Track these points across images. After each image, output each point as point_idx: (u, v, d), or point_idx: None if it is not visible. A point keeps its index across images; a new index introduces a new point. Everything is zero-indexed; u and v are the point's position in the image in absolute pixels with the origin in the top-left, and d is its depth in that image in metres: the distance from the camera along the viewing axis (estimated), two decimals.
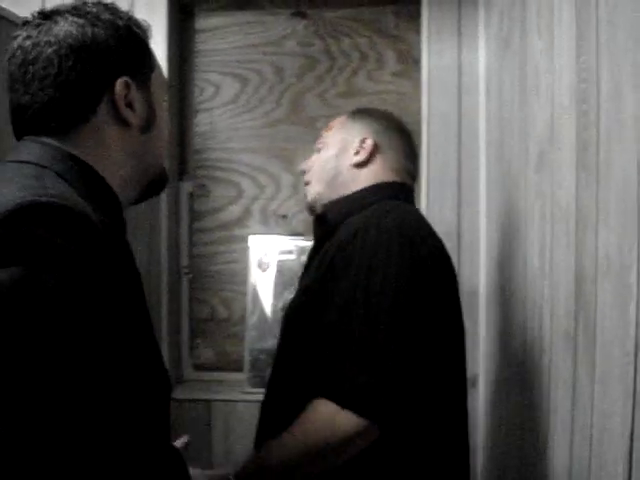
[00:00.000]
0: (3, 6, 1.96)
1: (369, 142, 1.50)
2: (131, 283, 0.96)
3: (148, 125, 1.05)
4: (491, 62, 2.18)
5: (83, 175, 0.96)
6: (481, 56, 2.29)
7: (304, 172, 1.57)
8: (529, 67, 1.60)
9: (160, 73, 1.11)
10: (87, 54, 0.98)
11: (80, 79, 0.97)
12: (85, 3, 1.03)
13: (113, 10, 1.04)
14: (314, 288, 1.34)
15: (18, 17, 1.48)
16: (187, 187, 2.58)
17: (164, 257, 2.45)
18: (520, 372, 1.62)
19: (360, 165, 1.49)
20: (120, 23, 1.02)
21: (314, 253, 1.47)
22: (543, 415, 1.40)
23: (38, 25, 0.99)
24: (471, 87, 2.30)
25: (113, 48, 1.00)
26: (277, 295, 2.41)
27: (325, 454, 1.23)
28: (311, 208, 1.55)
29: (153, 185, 1.11)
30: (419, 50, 2.37)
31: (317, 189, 1.51)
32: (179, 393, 2.44)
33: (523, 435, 1.59)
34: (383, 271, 1.24)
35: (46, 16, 1.00)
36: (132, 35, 1.03)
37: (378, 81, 2.49)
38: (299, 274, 2.56)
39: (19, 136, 1.00)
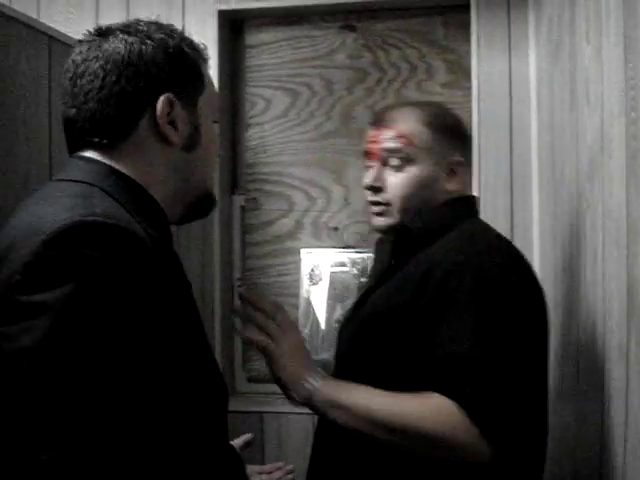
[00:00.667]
0: (56, 27, 2.03)
1: (465, 168, 1.40)
2: (182, 294, 0.97)
3: (192, 144, 1.05)
4: (542, 69, 2.14)
5: (129, 190, 0.98)
6: (531, 63, 2.26)
7: (374, 189, 1.38)
8: (579, 73, 1.57)
9: (212, 95, 1.10)
10: (132, 70, 0.99)
11: (122, 94, 0.98)
12: (139, 22, 1.05)
13: (166, 30, 1.05)
14: (402, 305, 1.26)
15: (71, 38, 1.53)
16: (239, 201, 2.61)
17: (217, 270, 2.48)
18: (575, 385, 1.58)
19: (453, 191, 1.38)
20: (171, 42, 1.03)
21: (391, 268, 1.38)
22: (596, 427, 1.36)
23: (91, 41, 1.02)
24: (522, 95, 2.27)
25: (159, 65, 1.01)
26: (330, 308, 2.42)
27: (422, 446, 1.16)
28: (384, 232, 1.42)
29: (198, 206, 1.11)
30: (469, 59, 2.35)
31: (401, 217, 1.36)
32: (232, 405, 2.44)
33: (576, 447, 1.55)
34: (508, 308, 1.20)
35: (100, 33, 1.03)
36: (182, 55, 1.04)
37: (428, 92, 2.48)
38: (352, 286, 2.61)
39: (70, 148, 1.03)
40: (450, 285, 1.20)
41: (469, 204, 1.42)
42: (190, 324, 0.97)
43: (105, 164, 0.98)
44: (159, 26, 1.05)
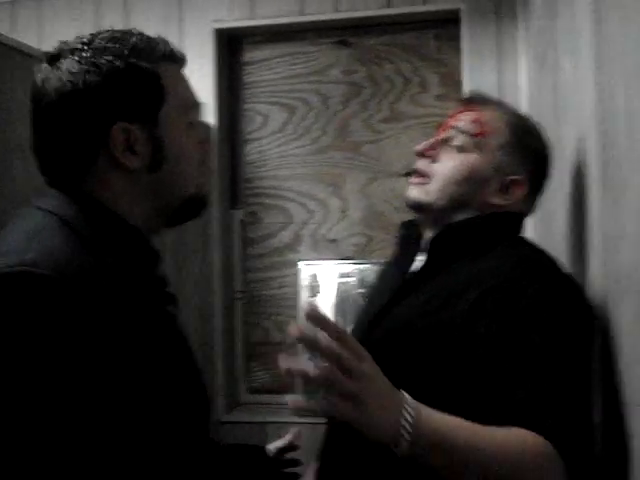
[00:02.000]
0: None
1: (522, 190, 1.23)
2: (139, 321, 0.94)
3: (156, 164, 1.01)
4: (531, 80, 2.18)
5: (93, 217, 0.97)
6: (521, 75, 2.30)
7: (423, 155, 1.27)
8: (560, 87, 1.60)
9: (181, 98, 1.04)
10: (78, 104, 0.96)
11: (73, 131, 0.96)
12: (91, 40, 0.99)
13: (118, 46, 0.99)
14: (448, 321, 1.12)
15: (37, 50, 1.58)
16: (238, 215, 2.66)
17: (217, 283, 2.52)
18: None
19: (497, 207, 1.23)
20: (119, 64, 0.97)
21: (429, 270, 1.22)
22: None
23: (44, 69, 0.98)
24: (512, 105, 2.30)
25: (107, 95, 0.96)
26: (336, 318, 2.45)
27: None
28: (415, 208, 1.26)
29: (181, 212, 1.07)
30: (460, 72, 2.39)
31: (438, 198, 1.22)
32: (235, 416, 2.50)
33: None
34: (573, 335, 1.09)
35: (51, 58, 0.99)
36: (133, 75, 0.98)
37: (422, 104, 2.52)
38: (355, 296, 2.63)
39: (42, 174, 1.02)
40: (517, 310, 1.08)
41: (518, 221, 1.27)
42: (151, 344, 0.95)
43: (69, 192, 0.98)
44: (113, 41, 0.99)
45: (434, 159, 1.24)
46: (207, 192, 1.10)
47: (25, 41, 1.55)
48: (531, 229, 2.24)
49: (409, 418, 0.89)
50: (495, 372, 1.06)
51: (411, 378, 1.07)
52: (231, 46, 2.66)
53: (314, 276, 2.50)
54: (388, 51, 2.55)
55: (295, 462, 1.42)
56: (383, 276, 1.43)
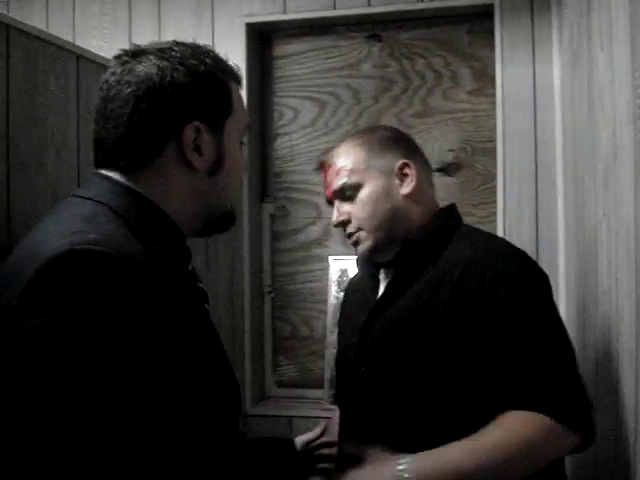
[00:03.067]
0: (91, 43, 2.11)
1: (412, 166, 1.42)
2: (181, 309, 0.98)
3: (215, 169, 1.07)
4: (565, 75, 2.15)
5: (142, 210, 1.00)
6: (555, 69, 2.26)
7: (342, 224, 1.44)
8: (594, 81, 1.58)
9: (240, 117, 1.11)
10: (162, 98, 1.01)
11: (151, 121, 1.01)
12: (174, 44, 1.06)
13: (200, 54, 1.06)
14: (437, 314, 1.28)
15: (98, 56, 1.60)
16: (268, 208, 2.66)
17: (247, 277, 2.53)
18: (592, 392, 1.58)
19: (411, 193, 1.41)
20: (202, 69, 1.04)
21: (399, 281, 1.39)
22: (610, 435, 1.37)
23: (124, 63, 1.04)
24: (546, 101, 2.28)
25: (189, 93, 1.02)
26: None
27: (539, 465, 1.17)
28: (371, 255, 1.43)
29: (217, 223, 1.13)
30: (493, 67, 2.37)
31: (376, 237, 1.40)
32: (262, 409, 2.51)
33: (595, 453, 1.55)
34: (538, 301, 1.27)
35: (133, 54, 1.05)
36: (212, 81, 1.05)
37: (453, 100, 2.49)
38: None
39: (96, 165, 1.06)
40: (495, 291, 1.24)
41: (454, 212, 1.48)
42: (191, 336, 0.98)
43: (122, 184, 1.01)
44: (193, 50, 1.06)
45: (348, 219, 1.42)
46: (237, 212, 1.17)
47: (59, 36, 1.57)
48: (564, 221, 2.21)
49: (404, 462, 1.13)
50: (483, 361, 1.21)
51: (404, 382, 1.29)
52: (262, 40, 2.66)
53: (343, 271, 2.49)
54: (420, 46, 2.53)
55: (329, 458, 1.42)
56: (351, 297, 1.62)
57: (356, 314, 1.49)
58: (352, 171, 1.41)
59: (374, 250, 1.41)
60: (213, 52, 1.09)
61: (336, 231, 2.59)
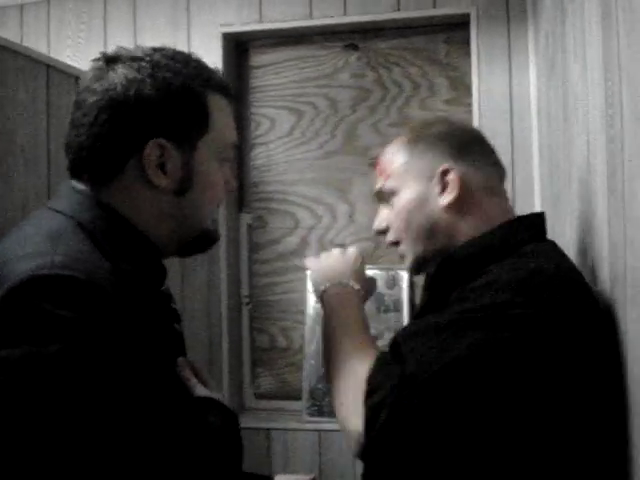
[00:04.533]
0: (67, 54, 2.09)
1: (455, 172, 1.18)
2: (144, 337, 0.94)
3: (183, 188, 1.00)
4: (541, 84, 2.16)
5: (111, 225, 0.97)
6: (532, 79, 2.28)
7: (382, 233, 1.28)
8: (569, 91, 1.58)
9: (221, 133, 1.04)
10: (124, 111, 0.96)
11: (111, 135, 0.96)
12: (151, 53, 1.00)
13: (177, 64, 0.99)
14: None
15: (69, 67, 1.58)
16: (246, 219, 2.65)
17: (224, 288, 2.51)
18: None
19: (454, 204, 1.19)
20: (176, 82, 0.97)
21: (431, 301, 1.20)
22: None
23: (98, 68, 1.00)
24: (522, 110, 2.29)
25: (154, 109, 0.96)
26: None
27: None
28: (417, 270, 1.26)
29: (194, 244, 1.07)
30: (470, 76, 2.37)
31: (415, 250, 1.22)
32: (241, 421, 2.47)
33: None
34: None
35: (108, 60, 1.00)
36: (185, 96, 0.98)
37: (431, 109, 2.50)
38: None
39: (70, 173, 1.02)
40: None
41: (523, 226, 1.19)
42: (149, 357, 0.95)
43: (90, 196, 0.98)
44: (171, 59, 0.99)
45: (388, 229, 1.25)
46: (218, 230, 1.10)
47: (32, 46, 1.55)
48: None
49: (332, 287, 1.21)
50: None
51: None
52: (239, 50, 2.65)
53: None
54: (397, 55, 2.53)
55: None
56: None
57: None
58: (390, 174, 1.24)
59: (417, 267, 1.25)
60: (197, 62, 1.03)
61: (314, 241, 2.60)
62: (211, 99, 1.01)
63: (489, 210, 1.20)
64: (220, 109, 1.03)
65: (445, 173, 1.18)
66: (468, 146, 1.23)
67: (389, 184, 1.23)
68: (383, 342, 1.92)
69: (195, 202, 1.02)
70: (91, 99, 0.97)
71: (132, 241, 0.98)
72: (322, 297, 1.24)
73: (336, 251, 1.32)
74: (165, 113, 0.97)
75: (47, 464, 0.80)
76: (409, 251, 1.23)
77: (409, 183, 1.22)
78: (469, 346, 0.98)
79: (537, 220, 1.21)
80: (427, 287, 1.24)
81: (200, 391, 1.02)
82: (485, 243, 1.16)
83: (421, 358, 0.99)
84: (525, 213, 1.24)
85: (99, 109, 0.96)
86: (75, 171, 1.01)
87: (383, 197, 1.26)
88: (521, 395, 0.98)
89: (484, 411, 0.98)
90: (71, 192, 0.99)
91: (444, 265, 1.18)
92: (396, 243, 1.24)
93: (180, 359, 1.06)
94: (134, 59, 0.99)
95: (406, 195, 1.21)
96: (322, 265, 1.29)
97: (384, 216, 1.26)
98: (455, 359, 0.97)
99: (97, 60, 1.01)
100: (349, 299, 1.22)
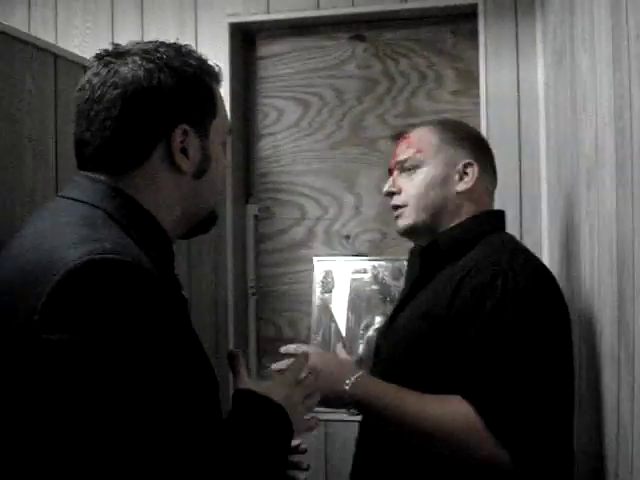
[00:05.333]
0: (74, 44, 2.09)
1: (475, 169, 1.43)
2: (180, 315, 0.99)
3: (201, 171, 1.06)
4: (549, 76, 2.15)
5: (132, 213, 0.99)
6: (539, 71, 2.26)
7: (391, 194, 1.48)
8: (577, 82, 1.57)
9: (223, 119, 1.11)
10: (150, 101, 0.99)
11: (139, 124, 0.99)
12: (159, 45, 1.04)
13: (185, 56, 1.05)
14: (438, 316, 1.31)
15: (76, 56, 1.58)
16: (252, 210, 2.65)
17: (230, 278, 2.51)
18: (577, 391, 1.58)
19: (465, 192, 1.43)
20: (189, 71, 1.03)
21: (421, 280, 1.44)
22: (594, 437, 1.37)
23: (108, 63, 1.01)
24: (530, 103, 2.28)
25: (177, 97, 1.01)
26: (350, 314, 2.43)
27: (444, 449, 1.25)
28: (408, 234, 1.49)
29: (202, 224, 1.14)
30: (477, 67, 2.36)
31: (418, 217, 1.44)
32: None
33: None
34: (536, 320, 1.25)
35: (117, 55, 1.02)
36: (198, 83, 1.04)
37: (437, 100, 2.49)
38: (370, 293, 2.62)
39: (80, 166, 1.04)
40: (482, 294, 1.26)
41: (495, 218, 1.48)
42: (188, 342, 0.99)
43: (111, 186, 0.99)
44: (177, 51, 1.05)
45: (399, 192, 1.46)
46: (219, 212, 1.17)
47: (39, 36, 1.55)
48: (548, 223, 2.21)
49: (350, 380, 1.30)
50: (458, 346, 1.25)
51: (411, 358, 1.35)
52: (246, 40, 2.64)
53: (328, 272, 2.48)
54: (404, 46, 2.52)
55: (299, 465, 1.41)
56: (405, 279, 1.65)
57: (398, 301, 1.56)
58: (421, 149, 1.45)
59: (411, 230, 1.46)
60: (196, 53, 1.08)
61: (320, 232, 2.60)
62: (214, 87, 1.09)
63: (483, 205, 1.46)
64: (220, 97, 1.11)
65: (467, 166, 1.43)
66: (487, 153, 1.50)
67: (418, 157, 1.44)
68: None
69: (210, 183, 1.09)
70: (113, 92, 0.99)
71: (152, 231, 1.02)
72: (349, 397, 1.31)
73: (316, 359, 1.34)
74: (185, 100, 1.03)
75: (107, 446, 0.82)
76: (411, 216, 1.44)
77: (435, 162, 1.44)
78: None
79: (499, 214, 1.49)
80: (420, 265, 1.46)
81: (247, 384, 1.08)
82: (462, 230, 1.41)
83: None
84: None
85: (124, 101, 0.99)
86: (93, 164, 1.02)
87: (404, 166, 1.46)
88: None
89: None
90: (91, 183, 1.01)
91: (430, 249, 1.43)
92: (400, 207, 1.46)
93: (234, 350, 1.16)
94: (146, 51, 1.02)
95: (430, 171, 1.44)
96: (323, 376, 1.29)
97: (399, 182, 1.47)
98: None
99: (102, 56, 1.03)
100: (366, 382, 1.33)
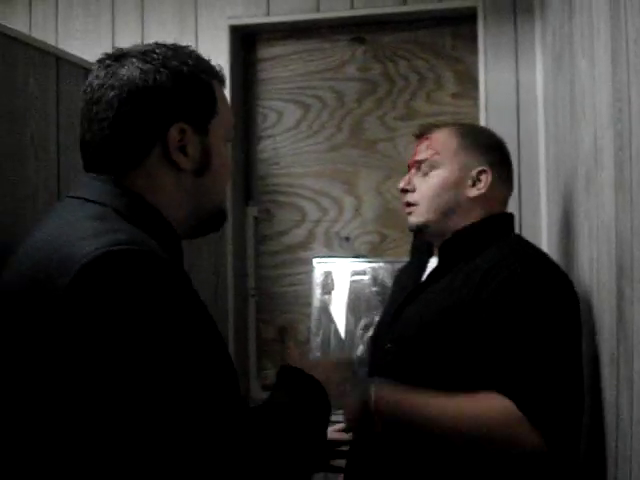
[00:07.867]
0: (75, 46, 2.09)
1: (489, 176, 1.47)
2: (200, 306, 1.00)
3: (202, 168, 1.07)
4: (548, 79, 2.16)
5: (140, 210, 1.01)
6: (538, 73, 2.28)
7: (405, 191, 1.52)
8: (576, 85, 1.58)
9: (225, 116, 1.12)
10: (145, 101, 1.01)
11: (136, 124, 1.02)
12: (156, 47, 1.06)
13: (182, 55, 1.07)
14: (462, 309, 1.35)
15: (78, 58, 1.59)
16: (252, 212, 2.66)
17: (230, 280, 2.52)
18: None
19: (476, 198, 1.47)
20: (185, 70, 1.05)
21: (435, 274, 1.48)
22: (593, 437, 1.37)
23: (108, 66, 1.04)
24: (529, 105, 2.29)
25: (173, 95, 1.03)
26: (350, 315, 2.44)
27: (482, 449, 1.28)
28: (418, 231, 1.52)
29: (209, 222, 1.15)
30: (477, 70, 2.37)
31: (429, 216, 1.48)
32: None
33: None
34: (565, 315, 1.32)
35: (116, 57, 1.05)
36: (195, 82, 1.06)
37: (437, 102, 2.50)
38: (369, 294, 2.63)
39: (86, 167, 1.06)
40: (514, 287, 1.31)
41: (507, 221, 1.54)
42: (210, 329, 1.01)
43: (117, 185, 1.01)
44: (175, 51, 1.07)
45: (413, 190, 1.51)
46: (225, 208, 1.18)
47: (40, 38, 1.56)
48: (547, 225, 2.22)
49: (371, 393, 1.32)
50: (491, 353, 1.29)
51: (426, 362, 1.37)
52: (246, 43, 2.65)
53: (327, 274, 2.49)
54: (404, 48, 2.53)
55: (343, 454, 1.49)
56: (399, 281, 1.67)
57: (398, 295, 1.57)
58: (439, 151, 1.49)
59: (421, 228, 1.50)
60: (195, 52, 1.10)
61: (320, 234, 2.61)
62: (214, 85, 1.10)
63: (493, 211, 1.49)
64: (221, 94, 1.12)
65: (481, 173, 1.47)
66: (504, 161, 1.53)
67: (435, 159, 1.49)
68: None
69: (213, 180, 1.10)
70: (110, 94, 1.02)
71: (159, 225, 1.03)
72: (372, 406, 1.33)
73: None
74: (182, 99, 1.04)
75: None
76: (423, 214, 1.48)
77: (451, 166, 1.48)
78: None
79: (509, 218, 1.54)
80: (439, 257, 1.48)
81: (298, 362, 1.11)
82: (481, 228, 1.46)
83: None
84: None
85: (120, 102, 1.01)
86: (96, 165, 1.04)
87: (421, 166, 1.50)
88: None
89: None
90: (97, 183, 1.03)
91: (454, 239, 1.46)
92: (413, 204, 1.50)
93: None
94: (143, 53, 1.05)
95: (446, 173, 1.48)
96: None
97: (414, 180, 1.51)
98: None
99: (104, 59, 1.06)
100: (385, 391, 1.35)
